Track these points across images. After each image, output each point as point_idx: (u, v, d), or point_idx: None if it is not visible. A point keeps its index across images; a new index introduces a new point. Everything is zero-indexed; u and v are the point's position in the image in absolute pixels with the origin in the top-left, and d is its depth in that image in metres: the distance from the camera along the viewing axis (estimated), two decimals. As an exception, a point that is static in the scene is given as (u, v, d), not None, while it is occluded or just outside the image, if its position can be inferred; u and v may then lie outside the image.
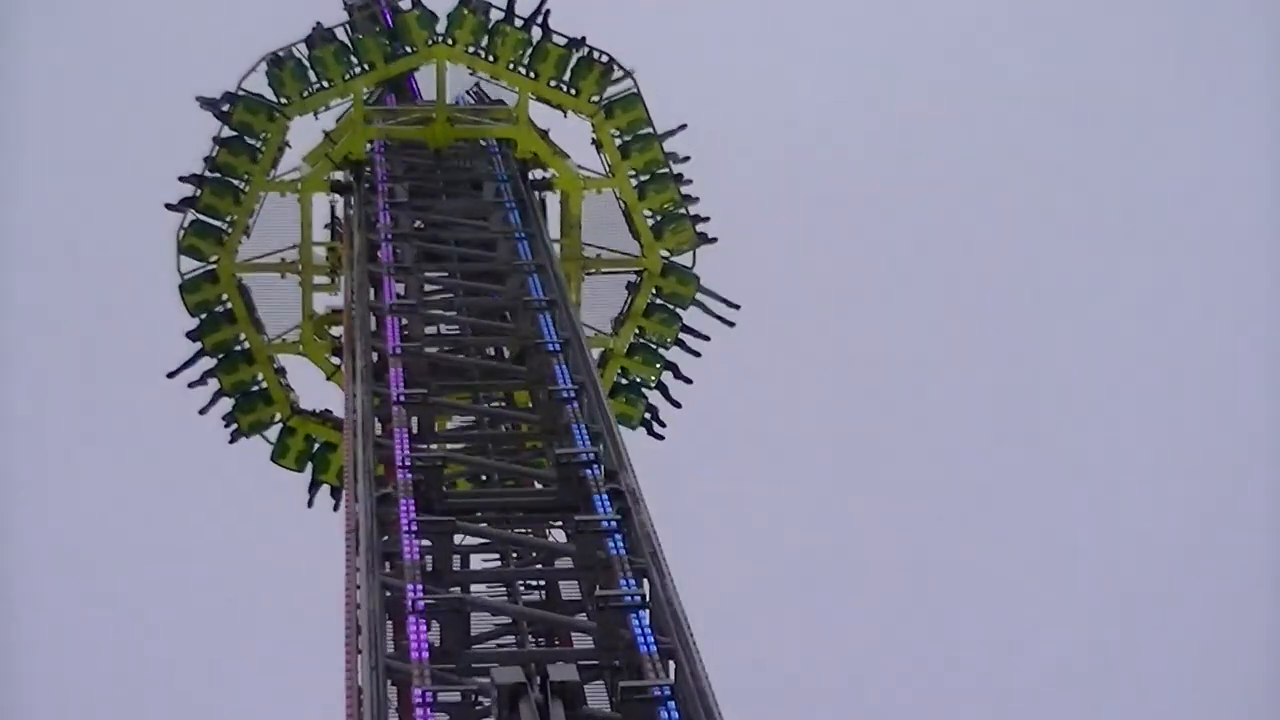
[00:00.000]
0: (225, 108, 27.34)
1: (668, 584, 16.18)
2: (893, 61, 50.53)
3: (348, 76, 27.71)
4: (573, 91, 28.15)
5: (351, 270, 24.12)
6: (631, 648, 15.54)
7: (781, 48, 50.57)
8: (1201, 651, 42.84)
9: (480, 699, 14.67)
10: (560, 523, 18.59)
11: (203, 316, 27.58)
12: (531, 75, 28.11)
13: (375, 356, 21.14)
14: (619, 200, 28.29)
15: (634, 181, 28.10)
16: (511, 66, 28.07)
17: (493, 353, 23.38)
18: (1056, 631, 44.31)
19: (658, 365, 28.58)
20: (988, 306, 48.52)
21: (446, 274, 24.42)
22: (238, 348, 27.74)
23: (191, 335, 27.66)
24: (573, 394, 19.73)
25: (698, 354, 28.61)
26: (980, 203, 49.32)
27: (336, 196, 27.62)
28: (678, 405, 28.81)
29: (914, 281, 48.81)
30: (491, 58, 28.07)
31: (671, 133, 28.42)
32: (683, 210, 28.16)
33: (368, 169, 26.91)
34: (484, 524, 18.60)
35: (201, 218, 27.39)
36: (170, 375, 27.74)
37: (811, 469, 46.61)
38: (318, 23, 27.81)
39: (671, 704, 14.59)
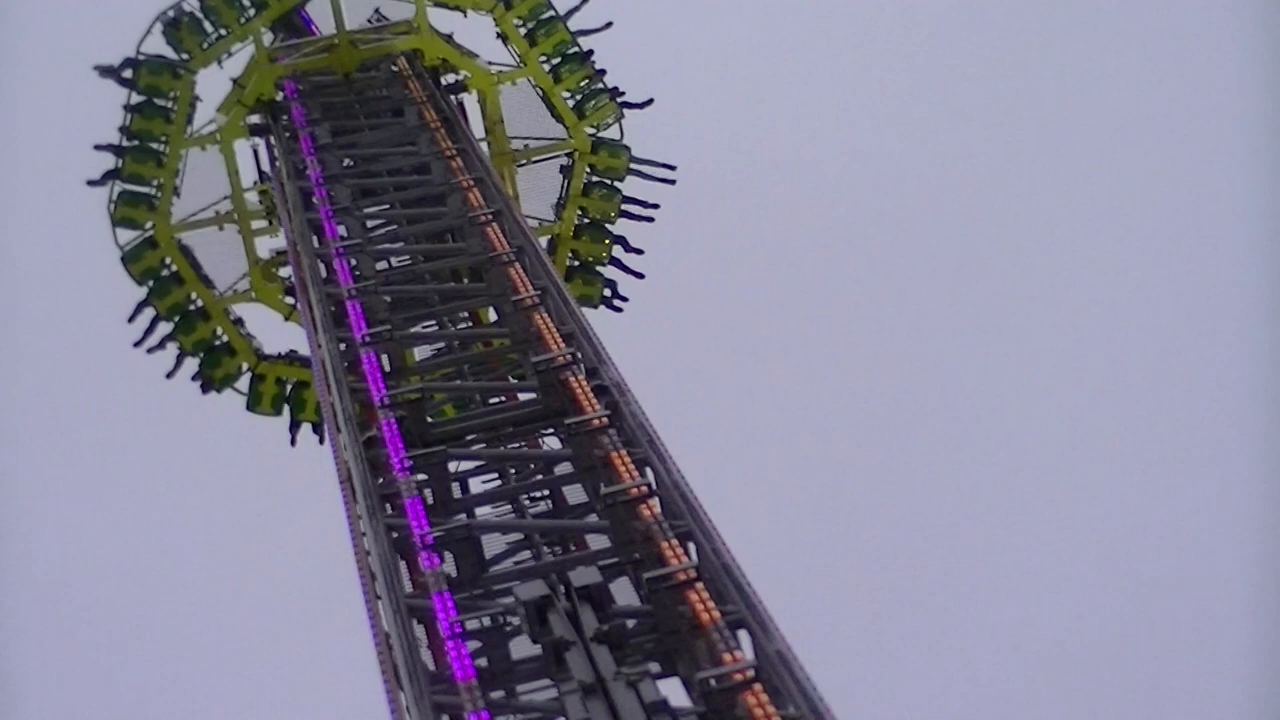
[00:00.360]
0: (128, 74, 26.96)
1: (671, 468, 16.02)
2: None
3: (243, 20, 27.37)
4: None
5: (290, 220, 23.71)
6: (647, 538, 15.40)
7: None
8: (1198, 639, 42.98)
9: (508, 619, 14.51)
10: (552, 429, 18.39)
11: (150, 284, 27.39)
12: None
13: (331, 303, 20.80)
14: (535, 88, 28.16)
15: (546, 66, 27.92)
16: None
17: (448, 275, 23.07)
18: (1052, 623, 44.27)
19: (606, 241, 28.63)
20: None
21: (387, 205, 24.08)
22: (191, 307, 27.62)
23: (143, 304, 27.45)
24: (537, 300, 19.47)
25: (650, 219, 28.58)
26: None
27: (257, 140, 27.34)
28: (640, 276, 28.82)
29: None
30: None
31: (575, 9, 28.18)
32: (600, 85, 28.00)
33: (285, 116, 26.46)
34: (476, 446, 18.42)
35: (128, 187, 27.19)
36: (136, 345, 27.63)
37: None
38: None
39: (700, 584, 14.49)
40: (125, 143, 27.20)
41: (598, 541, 16.56)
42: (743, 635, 14.06)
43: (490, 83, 28.00)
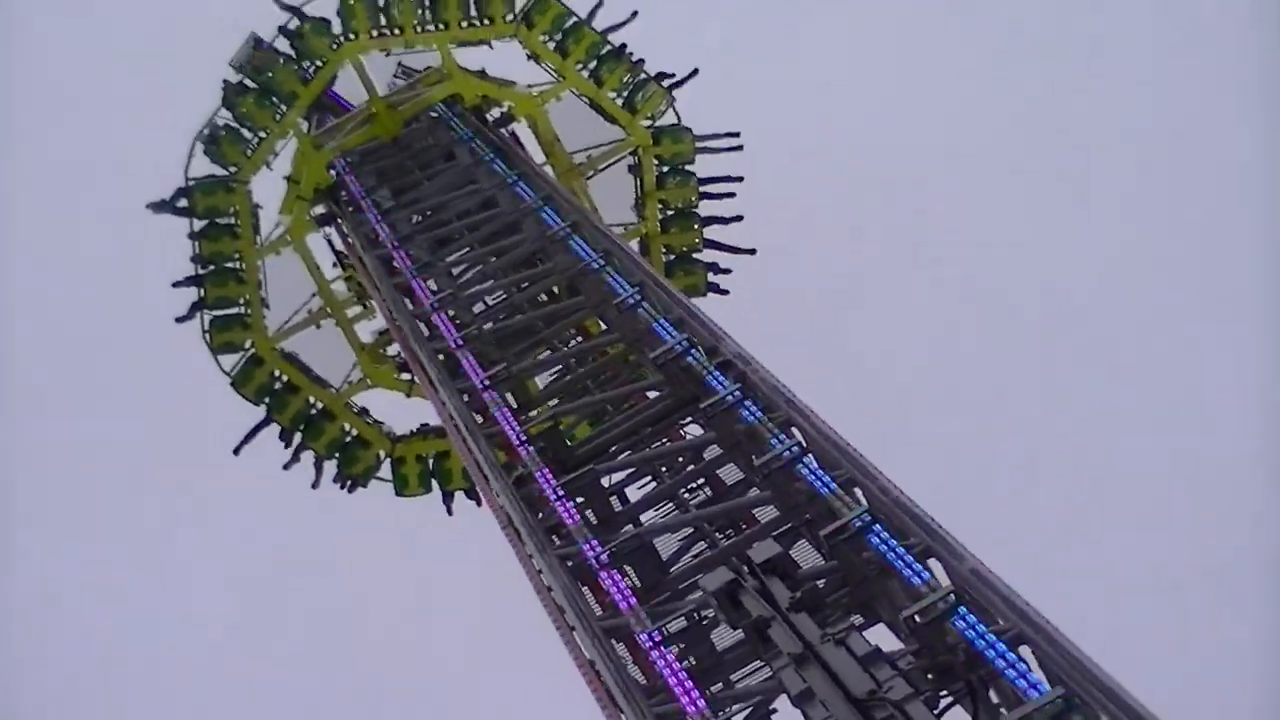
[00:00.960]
0: (182, 203, 27.03)
1: (816, 423, 15.92)
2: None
3: (278, 117, 27.31)
4: (486, 21, 27.60)
5: (379, 291, 23.85)
6: (813, 496, 15.32)
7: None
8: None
9: (702, 614, 14.49)
10: (689, 418, 18.36)
11: (267, 400, 27.51)
12: (441, 27, 27.61)
13: (442, 358, 20.92)
14: (581, 97, 27.90)
15: (585, 73, 27.69)
16: (418, 29, 27.58)
17: (545, 298, 23.10)
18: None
19: (695, 226, 28.36)
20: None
21: (466, 249, 24.14)
22: (314, 411, 27.70)
23: (266, 421, 27.57)
24: (637, 298, 19.44)
25: (732, 194, 28.32)
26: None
27: (328, 229, 27.39)
28: (751, 252, 28.51)
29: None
30: (396, 30, 27.59)
31: (595, 10, 27.87)
32: (643, 74, 27.76)
33: (344, 192, 26.59)
34: (621, 456, 18.43)
35: (217, 313, 27.27)
36: (236, 452, 27.63)
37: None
38: (225, 81, 27.37)
39: (877, 527, 14.40)
40: (200, 270, 27.17)
41: (765, 513, 16.53)
42: (933, 564, 13.98)
43: (535, 105, 27.67)
